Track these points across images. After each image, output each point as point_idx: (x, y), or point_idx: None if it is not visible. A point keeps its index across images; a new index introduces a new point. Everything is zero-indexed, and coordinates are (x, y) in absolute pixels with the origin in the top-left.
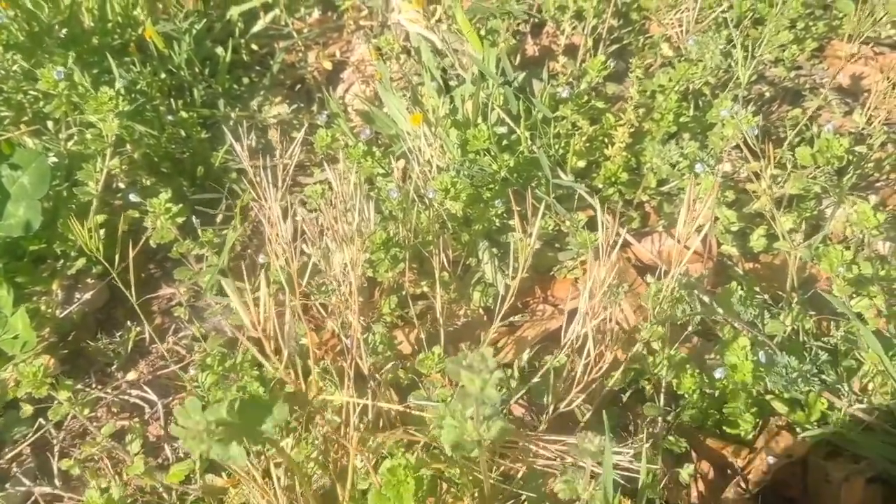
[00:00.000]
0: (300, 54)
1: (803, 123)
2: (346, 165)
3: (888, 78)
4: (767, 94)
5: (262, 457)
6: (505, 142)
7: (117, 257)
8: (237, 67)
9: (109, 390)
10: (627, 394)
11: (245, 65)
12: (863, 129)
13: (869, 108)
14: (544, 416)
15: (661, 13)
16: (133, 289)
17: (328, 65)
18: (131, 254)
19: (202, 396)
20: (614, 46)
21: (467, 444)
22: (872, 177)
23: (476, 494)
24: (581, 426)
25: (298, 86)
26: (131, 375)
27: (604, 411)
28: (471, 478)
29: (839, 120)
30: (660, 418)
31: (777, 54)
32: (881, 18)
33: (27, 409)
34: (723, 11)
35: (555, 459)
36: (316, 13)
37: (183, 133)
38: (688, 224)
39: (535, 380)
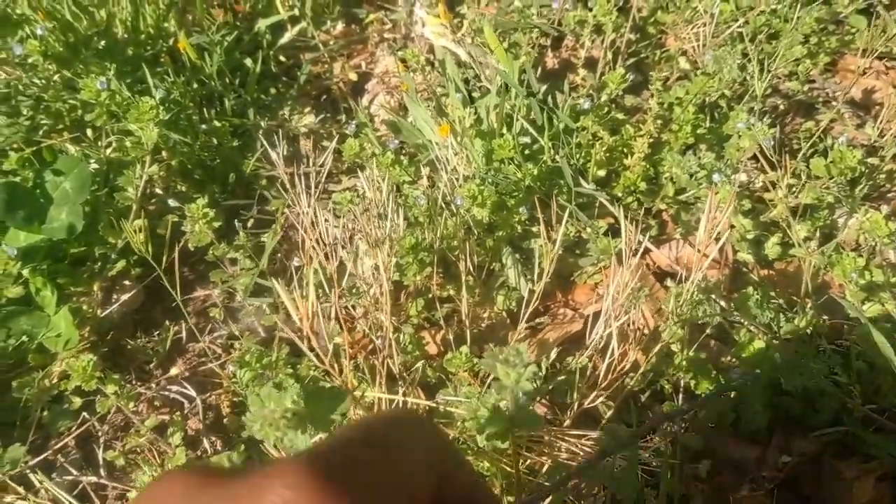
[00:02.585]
0: (326, 65)
1: (817, 136)
2: (376, 173)
3: None
4: (782, 107)
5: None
6: (528, 151)
7: (151, 259)
8: (265, 78)
9: (153, 385)
10: (647, 393)
11: (273, 75)
12: (875, 141)
13: (881, 122)
14: (568, 412)
15: (677, 27)
16: (178, 289)
17: (353, 76)
18: (175, 255)
19: (240, 392)
20: (632, 60)
21: (501, 433)
22: (884, 187)
23: (504, 485)
24: (603, 423)
25: (324, 96)
26: (173, 371)
27: (631, 408)
28: (497, 469)
29: (852, 132)
30: (678, 416)
31: (791, 68)
32: (894, 36)
33: (76, 402)
34: (738, 27)
35: (578, 453)
36: (340, 25)
37: (215, 141)
38: (707, 232)
39: (560, 378)
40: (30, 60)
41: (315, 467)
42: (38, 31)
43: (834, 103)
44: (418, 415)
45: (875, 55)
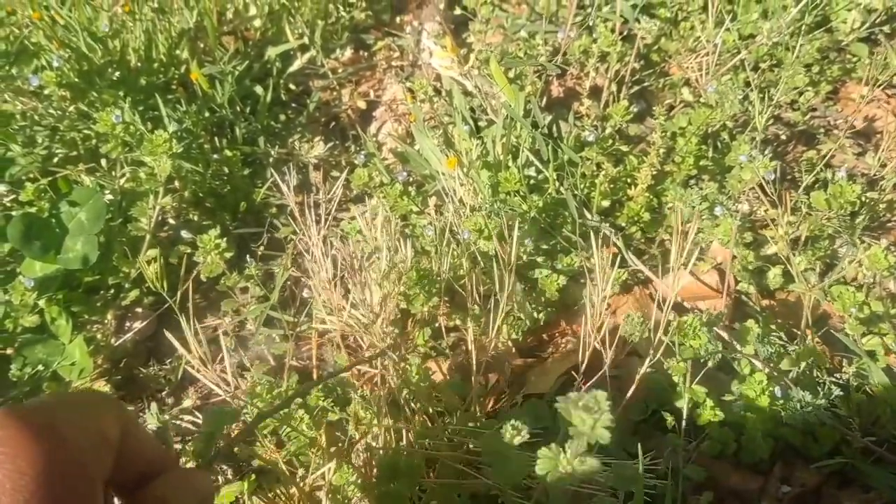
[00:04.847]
0: (335, 93)
1: (819, 166)
2: (381, 204)
3: None
4: (784, 136)
5: (305, 481)
6: (533, 181)
7: (165, 288)
8: (275, 105)
9: (165, 416)
10: (647, 423)
11: (282, 103)
12: (875, 172)
13: (882, 151)
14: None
15: (681, 56)
16: (191, 318)
17: (362, 104)
18: (189, 285)
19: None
20: (636, 88)
21: (563, 478)
22: (885, 217)
23: None
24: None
25: (333, 123)
26: (186, 403)
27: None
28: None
29: (853, 162)
30: (680, 448)
31: (793, 97)
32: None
33: None
34: (742, 56)
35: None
36: (349, 52)
37: (226, 170)
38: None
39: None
40: (45, 91)
41: (19, 413)
42: (55, 63)
43: (836, 132)
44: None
45: (876, 84)
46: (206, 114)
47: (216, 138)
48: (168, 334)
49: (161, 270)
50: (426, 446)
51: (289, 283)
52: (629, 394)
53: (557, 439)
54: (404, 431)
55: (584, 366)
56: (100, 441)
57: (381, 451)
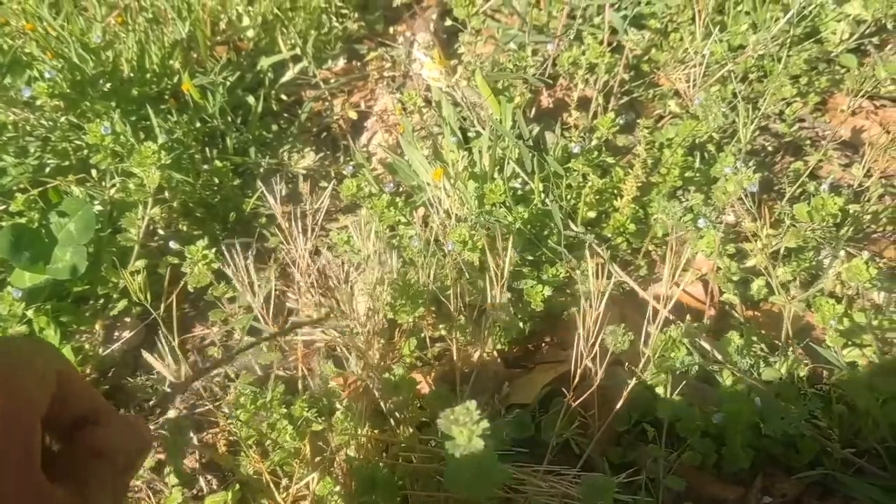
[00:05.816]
0: (326, 103)
1: (805, 176)
2: (369, 216)
3: (888, 132)
4: (770, 148)
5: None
6: (520, 192)
7: (152, 298)
8: (267, 115)
9: (150, 427)
10: (630, 434)
11: (274, 113)
12: (860, 183)
13: (868, 162)
14: (548, 453)
15: (669, 67)
16: (174, 332)
17: (353, 114)
18: (173, 296)
19: (235, 432)
20: (625, 99)
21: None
22: (870, 228)
23: None
24: (581, 463)
25: (324, 133)
26: (171, 413)
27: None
28: None
29: (839, 173)
30: (661, 458)
31: (781, 108)
32: (884, 79)
33: None
34: (730, 67)
35: (555, 497)
36: (341, 62)
37: (216, 180)
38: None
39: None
40: (37, 102)
41: None
42: (47, 74)
43: (822, 142)
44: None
45: (864, 95)
46: (198, 124)
47: (207, 148)
48: (145, 353)
49: (145, 282)
50: (410, 458)
51: (276, 293)
52: (618, 405)
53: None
54: (386, 443)
55: (575, 382)
56: (39, 379)
57: (359, 463)
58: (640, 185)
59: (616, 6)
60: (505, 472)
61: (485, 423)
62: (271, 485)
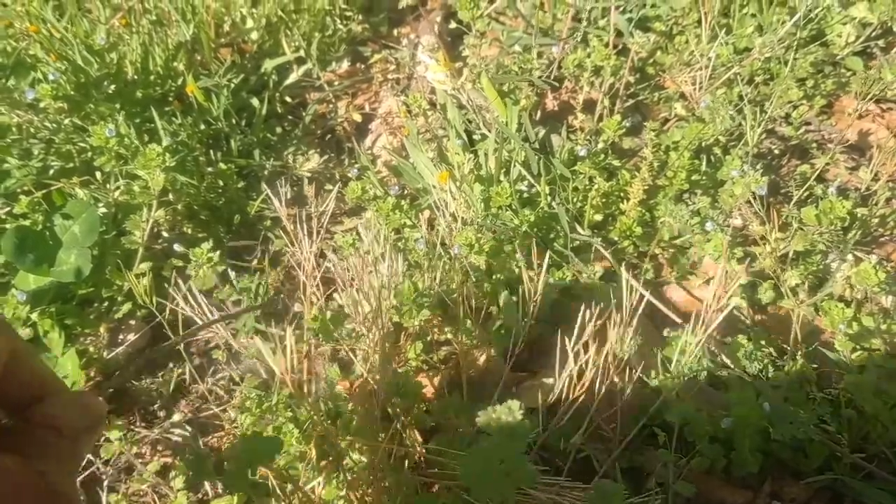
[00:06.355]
0: (331, 105)
1: (812, 180)
2: (374, 218)
3: (895, 135)
4: (777, 151)
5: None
6: (526, 195)
7: (157, 300)
8: (271, 117)
9: (155, 430)
10: (640, 439)
11: (278, 115)
12: (867, 186)
13: (875, 165)
14: (566, 461)
15: (675, 70)
16: (180, 331)
17: (357, 117)
18: (178, 298)
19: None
20: (631, 101)
21: (494, 488)
22: (877, 232)
23: None
24: (598, 477)
25: (329, 136)
26: (176, 416)
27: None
28: None
29: (846, 176)
30: (670, 463)
31: (787, 111)
32: (890, 81)
33: None
34: (736, 70)
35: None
36: (346, 64)
37: (221, 182)
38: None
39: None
40: (41, 104)
41: None
42: (51, 76)
43: (829, 146)
44: None
45: (871, 98)
46: (202, 126)
47: (211, 151)
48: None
49: (150, 284)
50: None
51: (282, 295)
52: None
53: None
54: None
55: (599, 397)
56: None
57: (365, 469)
58: (646, 187)
59: (621, 9)
60: (533, 473)
61: (527, 421)
62: (277, 489)
